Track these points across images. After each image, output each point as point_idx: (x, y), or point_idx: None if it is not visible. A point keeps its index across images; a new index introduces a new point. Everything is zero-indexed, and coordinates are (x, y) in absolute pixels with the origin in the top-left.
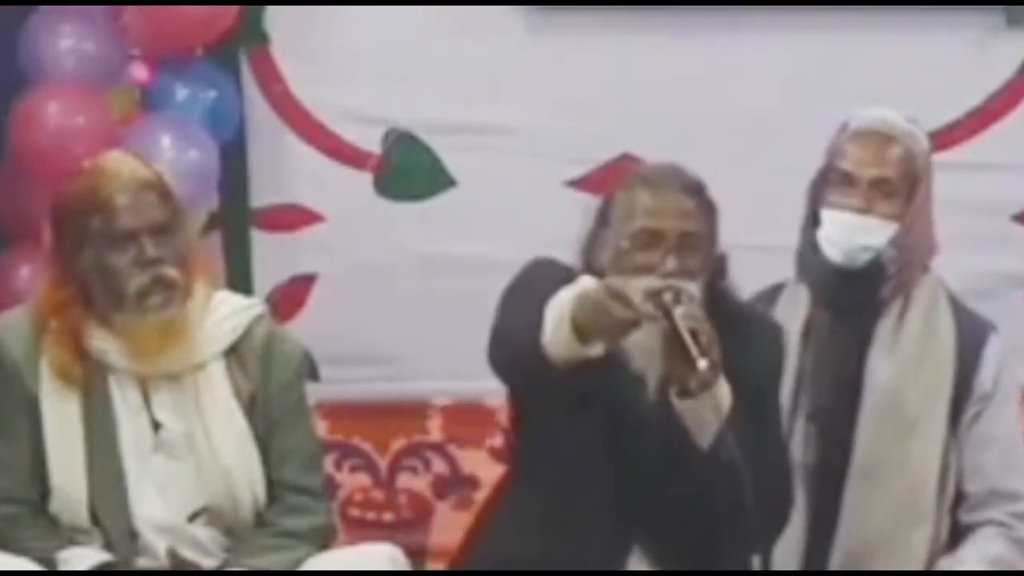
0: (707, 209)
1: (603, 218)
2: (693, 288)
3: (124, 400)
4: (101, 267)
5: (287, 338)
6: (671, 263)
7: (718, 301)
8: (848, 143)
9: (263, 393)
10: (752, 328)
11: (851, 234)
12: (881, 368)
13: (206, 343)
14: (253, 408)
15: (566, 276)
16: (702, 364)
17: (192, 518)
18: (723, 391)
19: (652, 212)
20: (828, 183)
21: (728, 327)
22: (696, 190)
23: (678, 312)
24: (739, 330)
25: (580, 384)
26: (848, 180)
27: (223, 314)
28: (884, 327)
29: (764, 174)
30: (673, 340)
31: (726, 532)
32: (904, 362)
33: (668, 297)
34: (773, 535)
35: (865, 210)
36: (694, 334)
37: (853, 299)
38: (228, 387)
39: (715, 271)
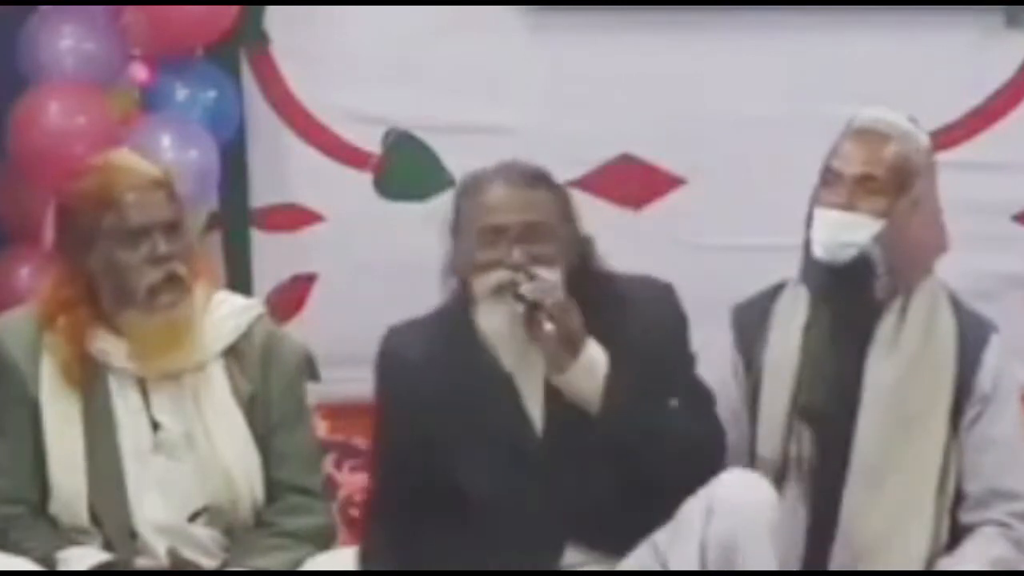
0: (553, 197)
1: (455, 230)
2: (546, 273)
3: (124, 400)
4: (112, 264)
5: (287, 339)
6: (516, 254)
7: (589, 282)
8: (844, 142)
9: (263, 394)
10: (638, 299)
11: (834, 231)
12: (881, 368)
13: (206, 343)
14: (253, 409)
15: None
16: (548, 327)
17: (192, 518)
18: (592, 357)
19: (492, 208)
20: (821, 182)
21: (606, 303)
22: (536, 180)
23: (523, 288)
24: (620, 303)
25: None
26: (835, 178)
27: (223, 314)
28: (884, 327)
29: (764, 174)
30: (530, 321)
31: (643, 498)
32: (904, 362)
33: (520, 279)
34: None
35: (847, 206)
36: (537, 304)
37: (843, 297)
38: (228, 387)
39: (581, 255)
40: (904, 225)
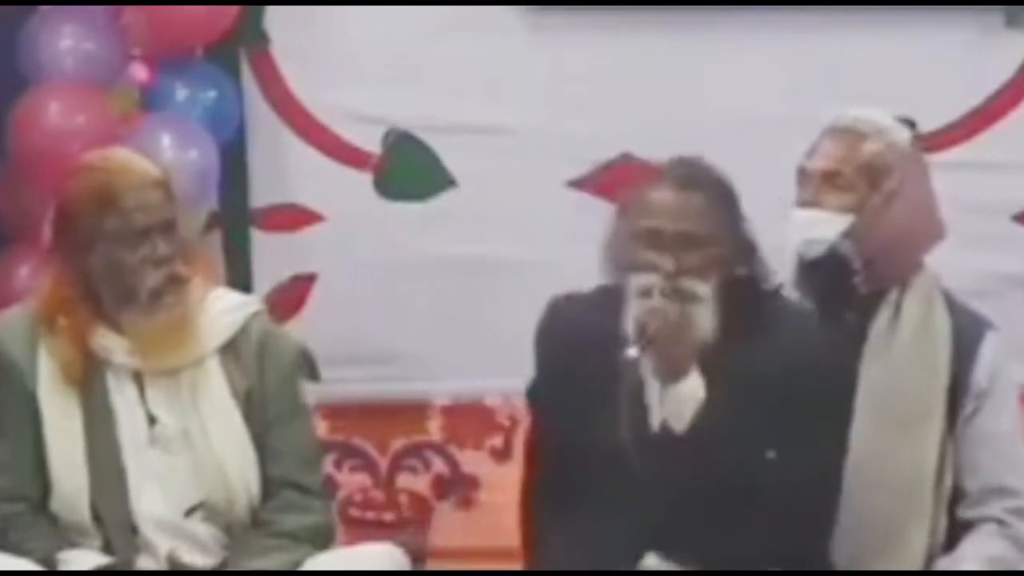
0: (713, 203)
1: (623, 212)
2: (695, 285)
3: (121, 394)
4: (112, 265)
5: (283, 335)
6: (669, 263)
7: (739, 295)
8: (820, 141)
9: (259, 390)
10: (779, 322)
11: (800, 228)
12: (876, 366)
13: (203, 339)
14: (249, 405)
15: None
16: (629, 352)
17: (189, 513)
18: (688, 391)
19: (652, 211)
20: (796, 183)
21: (752, 322)
22: (696, 184)
23: (635, 304)
24: (764, 325)
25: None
26: (805, 177)
27: (220, 309)
28: (878, 325)
29: (764, 174)
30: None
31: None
32: (900, 359)
33: (666, 288)
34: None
35: (813, 203)
36: (642, 326)
37: (824, 294)
38: (224, 383)
39: (741, 263)
40: (878, 219)
